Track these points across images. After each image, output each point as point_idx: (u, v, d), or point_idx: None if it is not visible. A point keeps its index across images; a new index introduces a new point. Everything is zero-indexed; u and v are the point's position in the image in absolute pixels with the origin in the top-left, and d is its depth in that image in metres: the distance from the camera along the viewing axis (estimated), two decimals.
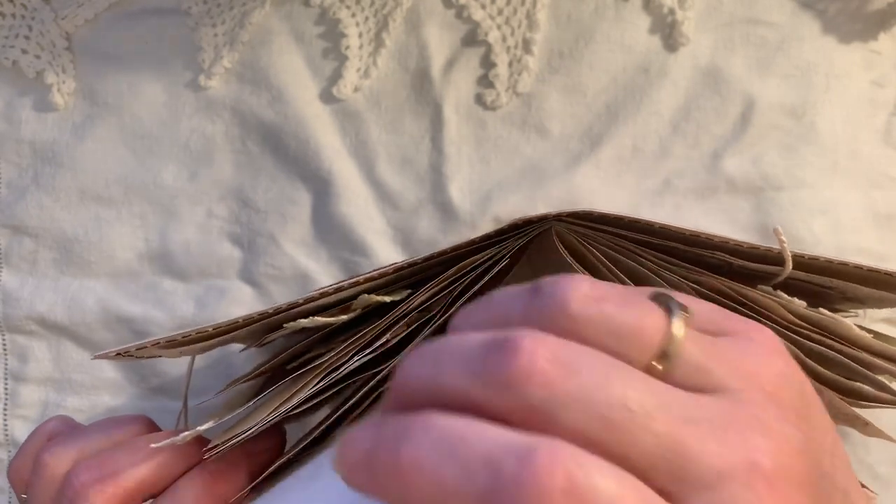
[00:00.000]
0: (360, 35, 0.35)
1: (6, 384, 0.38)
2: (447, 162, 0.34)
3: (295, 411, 0.26)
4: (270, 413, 0.25)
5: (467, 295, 0.27)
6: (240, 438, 0.25)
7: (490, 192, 0.34)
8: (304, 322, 0.26)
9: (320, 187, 0.35)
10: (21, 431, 0.38)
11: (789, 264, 0.26)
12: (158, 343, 0.26)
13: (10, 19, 0.38)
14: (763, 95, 0.33)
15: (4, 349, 0.38)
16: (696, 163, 0.33)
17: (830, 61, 0.34)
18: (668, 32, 0.34)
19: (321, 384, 0.25)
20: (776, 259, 0.26)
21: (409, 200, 0.35)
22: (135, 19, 0.37)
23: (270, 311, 0.26)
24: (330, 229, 0.35)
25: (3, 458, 0.38)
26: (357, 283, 0.26)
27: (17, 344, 0.38)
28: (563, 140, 0.34)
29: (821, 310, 0.27)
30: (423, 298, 0.26)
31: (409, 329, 0.27)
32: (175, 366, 0.36)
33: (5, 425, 0.38)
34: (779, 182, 0.33)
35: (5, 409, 0.38)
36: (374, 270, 0.26)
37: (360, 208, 0.35)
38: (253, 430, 0.25)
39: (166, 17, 0.37)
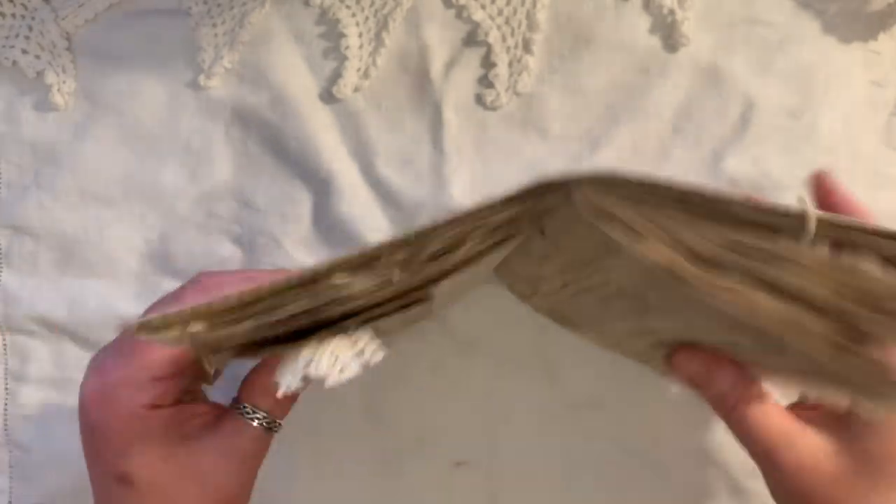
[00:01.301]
0: (360, 35, 0.35)
1: (6, 384, 0.38)
2: (447, 162, 0.34)
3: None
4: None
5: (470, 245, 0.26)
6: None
7: (490, 191, 0.34)
8: (338, 281, 0.25)
9: (320, 187, 0.35)
10: (21, 431, 0.38)
11: (812, 228, 0.26)
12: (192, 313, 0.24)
13: (10, 19, 0.38)
14: (763, 95, 0.33)
15: (5, 349, 0.38)
16: (696, 163, 0.34)
17: (830, 61, 0.34)
18: (668, 32, 0.34)
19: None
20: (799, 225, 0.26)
21: (410, 200, 0.35)
22: (135, 19, 0.37)
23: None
24: (330, 229, 0.35)
25: (3, 458, 0.38)
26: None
27: (18, 344, 0.38)
28: (563, 140, 0.34)
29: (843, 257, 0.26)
30: (435, 242, 0.26)
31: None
32: None
33: (5, 425, 0.38)
34: (779, 182, 0.33)
35: (5, 409, 0.38)
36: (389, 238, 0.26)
37: (360, 208, 0.35)
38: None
39: (166, 17, 0.37)
